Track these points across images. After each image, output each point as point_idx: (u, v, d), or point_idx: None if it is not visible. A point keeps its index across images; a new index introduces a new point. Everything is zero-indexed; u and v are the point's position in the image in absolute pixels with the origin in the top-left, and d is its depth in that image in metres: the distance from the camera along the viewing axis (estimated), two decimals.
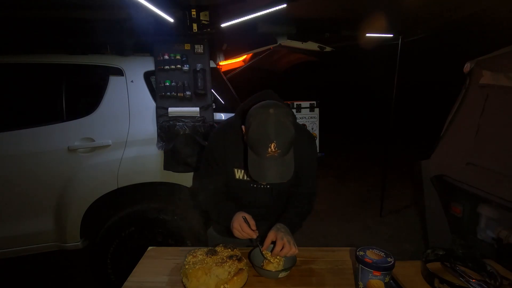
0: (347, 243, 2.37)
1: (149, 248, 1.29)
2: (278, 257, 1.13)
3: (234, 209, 1.25)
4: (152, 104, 2.18)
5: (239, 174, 1.27)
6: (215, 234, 1.48)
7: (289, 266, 1.09)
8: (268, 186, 1.29)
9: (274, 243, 1.12)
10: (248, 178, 1.26)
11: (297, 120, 2.98)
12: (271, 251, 1.12)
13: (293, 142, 1.06)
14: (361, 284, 0.97)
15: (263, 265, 1.11)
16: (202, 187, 1.35)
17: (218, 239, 1.43)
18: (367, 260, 0.95)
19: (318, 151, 2.95)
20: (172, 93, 2.15)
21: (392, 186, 4.36)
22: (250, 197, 1.32)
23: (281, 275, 1.06)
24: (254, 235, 1.16)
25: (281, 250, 1.09)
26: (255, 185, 1.29)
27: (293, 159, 1.09)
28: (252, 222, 1.18)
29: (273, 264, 1.10)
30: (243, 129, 1.13)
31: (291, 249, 1.10)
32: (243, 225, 1.16)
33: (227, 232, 1.29)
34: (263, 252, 1.14)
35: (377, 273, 0.93)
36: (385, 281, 0.94)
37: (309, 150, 1.30)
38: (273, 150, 1.01)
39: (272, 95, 1.25)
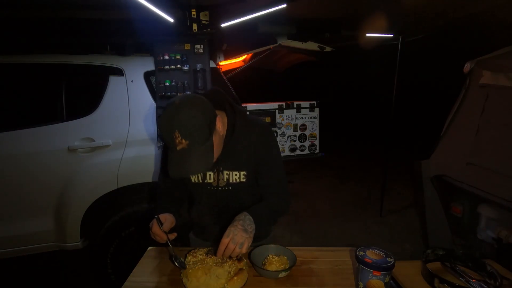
0: (347, 243, 2.38)
1: (149, 248, 1.29)
2: (280, 256, 1.14)
3: (164, 210, 1.18)
4: (152, 104, 2.18)
5: (194, 177, 1.22)
6: (194, 238, 1.42)
7: (289, 266, 1.09)
8: (227, 188, 1.21)
9: None
10: (202, 181, 1.21)
11: (297, 120, 2.96)
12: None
13: (206, 133, 0.98)
14: (361, 284, 0.97)
15: (263, 265, 1.11)
16: (162, 184, 1.30)
17: (197, 242, 1.38)
18: (367, 260, 0.95)
19: (318, 151, 2.96)
20: (172, 93, 2.15)
21: (392, 186, 4.36)
22: (212, 200, 1.25)
23: (281, 275, 1.06)
24: (163, 238, 1.09)
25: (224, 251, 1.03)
26: (213, 188, 1.22)
27: (211, 151, 1.01)
28: (166, 224, 1.11)
29: (274, 264, 1.10)
30: None
31: (235, 250, 1.02)
32: (153, 225, 1.09)
33: (209, 236, 1.29)
34: (183, 272, 1.06)
35: (377, 273, 0.93)
36: (385, 281, 0.94)
37: (264, 142, 1.19)
38: (181, 141, 0.95)
39: (216, 90, 1.19)
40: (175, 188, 1.29)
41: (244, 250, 1.03)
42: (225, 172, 1.20)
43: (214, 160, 1.04)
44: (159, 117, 0.99)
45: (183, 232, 1.76)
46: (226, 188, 1.22)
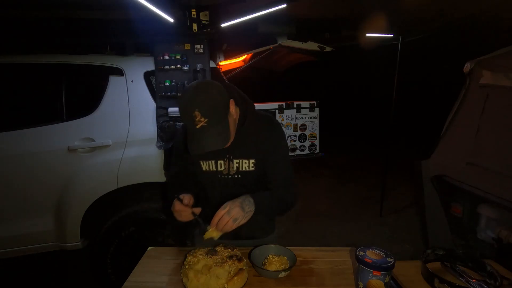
0: (347, 243, 2.37)
1: (149, 248, 1.29)
2: (280, 256, 1.14)
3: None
4: (152, 104, 2.18)
5: (205, 166, 1.26)
6: (199, 234, 1.45)
7: (289, 266, 1.09)
8: (237, 176, 1.26)
9: None
10: (214, 169, 1.25)
11: (297, 120, 2.96)
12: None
13: (223, 112, 1.06)
14: (361, 284, 0.97)
15: (263, 265, 1.11)
16: (170, 179, 1.34)
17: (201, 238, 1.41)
18: (367, 260, 0.94)
19: (318, 151, 2.96)
20: (172, 93, 2.15)
21: (392, 186, 4.36)
22: (221, 188, 1.28)
23: (281, 275, 1.06)
24: (188, 212, 1.14)
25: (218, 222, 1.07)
26: (223, 176, 1.26)
27: (228, 128, 1.08)
28: (186, 199, 1.16)
29: (274, 264, 1.10)
30: None
31: (228, 223, 1.05)
32: (175, 204, 1.14)
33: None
34: (207, 228, 1.11)
35: (377, 273, 0.93)
36: (385, 281, 0.94)
37: (270, 133, 1.26)
38: (200, 120, 1.01)
39: (230, 85, 1.26)
40: (185, 179, 1.33)
41: (235, 225, 1.07)
42: (235, 161, 1.24)
43: (230, 140, 1.10)
44: (179, 98, 1.07)
45: (188, 230, 1.77)
46: (236, 176, 1.26)
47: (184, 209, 1.13)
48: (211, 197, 1.31)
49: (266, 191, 1.26)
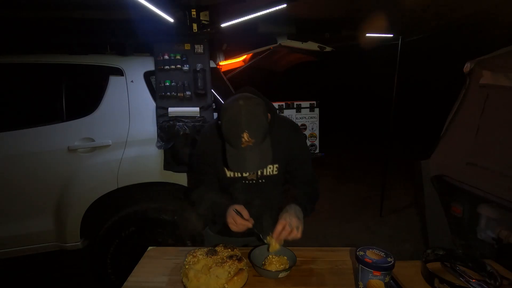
0: (347, 243, 2.37)
1: (149, 248, 1.29)
2: (280, 256, 1.14)
3: (227, 205, 1.24)
4: (152, 104, 2.18)
5: (230, 172, 1.28)
6: (211, 234, 1.46)
7: (289, 266, 1.09)
8: (261, 181, 1.28)
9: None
10: (239, 175, 1.27)
11: (297, 120, 2.97)
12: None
13: (267, 131, 1.08)
14: (361, 284, 0.97)
15: (263, 265, 1.11)
16: (196, 187, 1.36)
17: (214, 238, 1.42)
18: (367, 260, 0.94)
19: (318, 151, 2.96)
20: (172, 93, 2.15)
21: (392, 186, 4.36)
22: (244, 195, 1.30)
23: (281, 275, 1.06)
24: (250, 224, 1.16)
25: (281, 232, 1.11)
26: (247, 181, 1.28)
27: (270, 147, 1.10)
28: (244, 212, 1.18)
29: (274, 264, 1.10)
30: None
31: (292, 232, 1.10)
32: (235, 218, 1.16)
33: (225, 231, 1.30)
34: (267, 238, 1.15)
35: (377, 273, 0.93)
36: (385, 281, 0.94)
37: (295, 137, 1.31)
38: (247, 140, 1.02)
39: (251, 90, 1.24)
40: (213, 184, 1.34)
41: (299, 234, 1.11)
42: None
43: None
44: (223, 114, 1.07)
45: (195, 229, 1.77)
46: (260, 181, 1.29)
47: (245, 223, 1.15)
48: (235, 202, 1.31)
49: (299, 195, 1.29)
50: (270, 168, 1.27)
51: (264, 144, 1.08)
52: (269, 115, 1.16)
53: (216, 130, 1.26)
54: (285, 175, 1.35)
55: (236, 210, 1.18)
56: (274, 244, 1.14)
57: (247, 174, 1.27)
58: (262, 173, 1.27)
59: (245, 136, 1.02)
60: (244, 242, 1.35)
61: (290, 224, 1.10)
